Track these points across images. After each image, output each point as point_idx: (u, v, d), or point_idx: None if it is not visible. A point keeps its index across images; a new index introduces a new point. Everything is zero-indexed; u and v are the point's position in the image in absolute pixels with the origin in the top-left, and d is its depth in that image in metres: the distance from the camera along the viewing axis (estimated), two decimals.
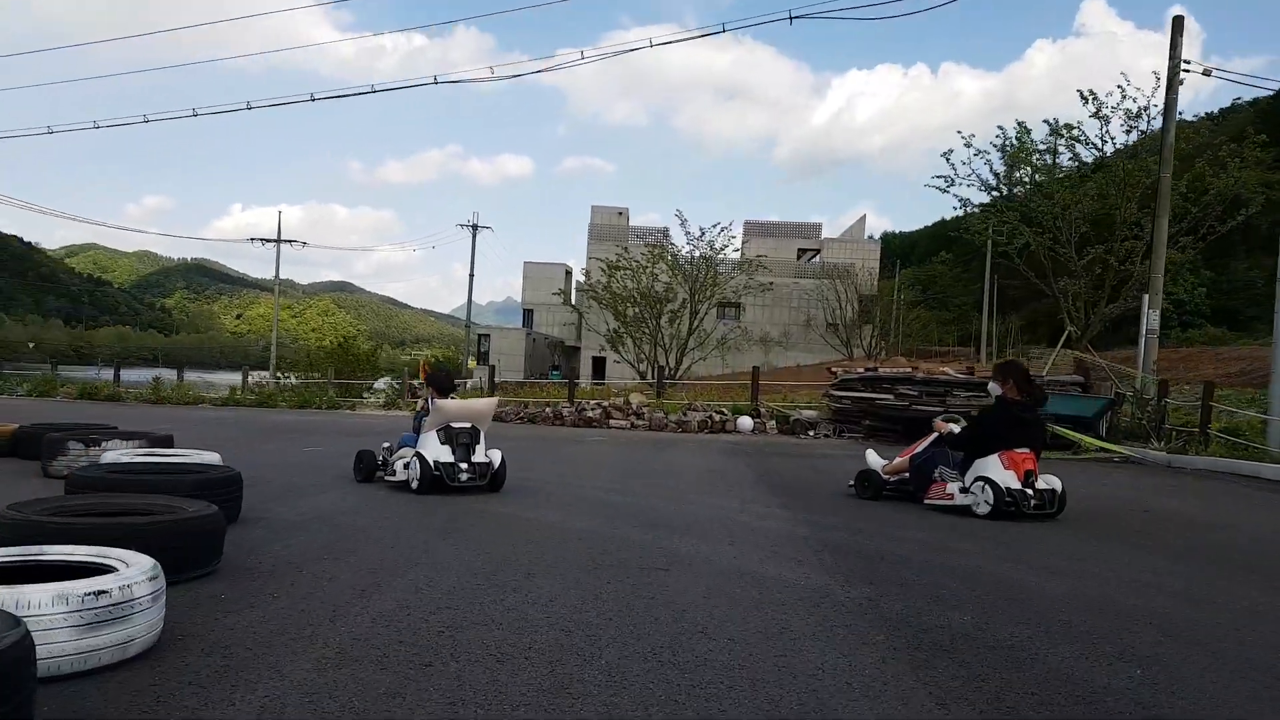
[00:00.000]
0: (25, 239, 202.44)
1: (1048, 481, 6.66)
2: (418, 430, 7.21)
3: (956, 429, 7.06)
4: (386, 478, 7.31)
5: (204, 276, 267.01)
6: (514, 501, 6.66)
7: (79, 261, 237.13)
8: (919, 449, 7.31)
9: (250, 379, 26.73)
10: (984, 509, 6.45)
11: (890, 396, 14.66)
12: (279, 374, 34.76)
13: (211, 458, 6.61)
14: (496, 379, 25.50)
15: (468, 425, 6.97)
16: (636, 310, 30.58)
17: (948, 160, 22.26)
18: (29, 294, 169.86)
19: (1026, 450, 6.67)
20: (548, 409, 17.82)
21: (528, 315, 59.03)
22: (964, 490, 6.70)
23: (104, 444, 7.18)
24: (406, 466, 6.99)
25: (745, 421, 15.79)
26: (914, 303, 52.77)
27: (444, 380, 7.56)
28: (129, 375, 28.27)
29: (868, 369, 15.82)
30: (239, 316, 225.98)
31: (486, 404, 7.51)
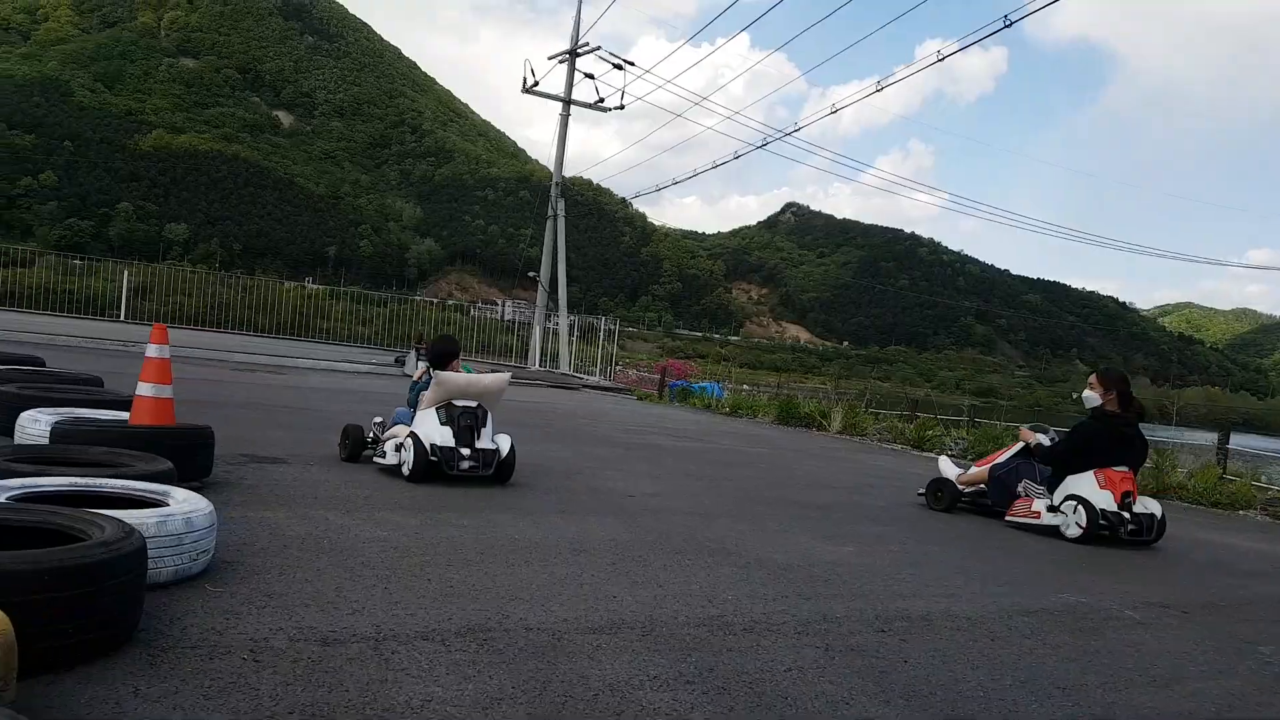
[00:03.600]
0: (1120, 299, 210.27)
1: (1146, 505, 6.13)
2: (414, 405, 6.11)
3: (1046, 440, 6.53)
4: (375, 459, 6.09)
5: None
6: None
7: (1171, 320, 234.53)
8: (1001, 459, 6.85)
9: None
10: (1075, 531, 5.95)
11: None
12: None
13: None
14: None
15: (473, 404, 5.93)
16: None
17: None
18: (1118, 351, 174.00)
19: (1125, 469, 6.16)
20: None
21: None
22: (1052, 509, 6.14)
23: None
24: (399, 449, 5.82)
25: None
26: None
27: (445, 349, 6.31)
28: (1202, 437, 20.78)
29: None
30: None
31: (496, 380, 6.18)
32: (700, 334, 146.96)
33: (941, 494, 6.93)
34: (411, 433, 5.75)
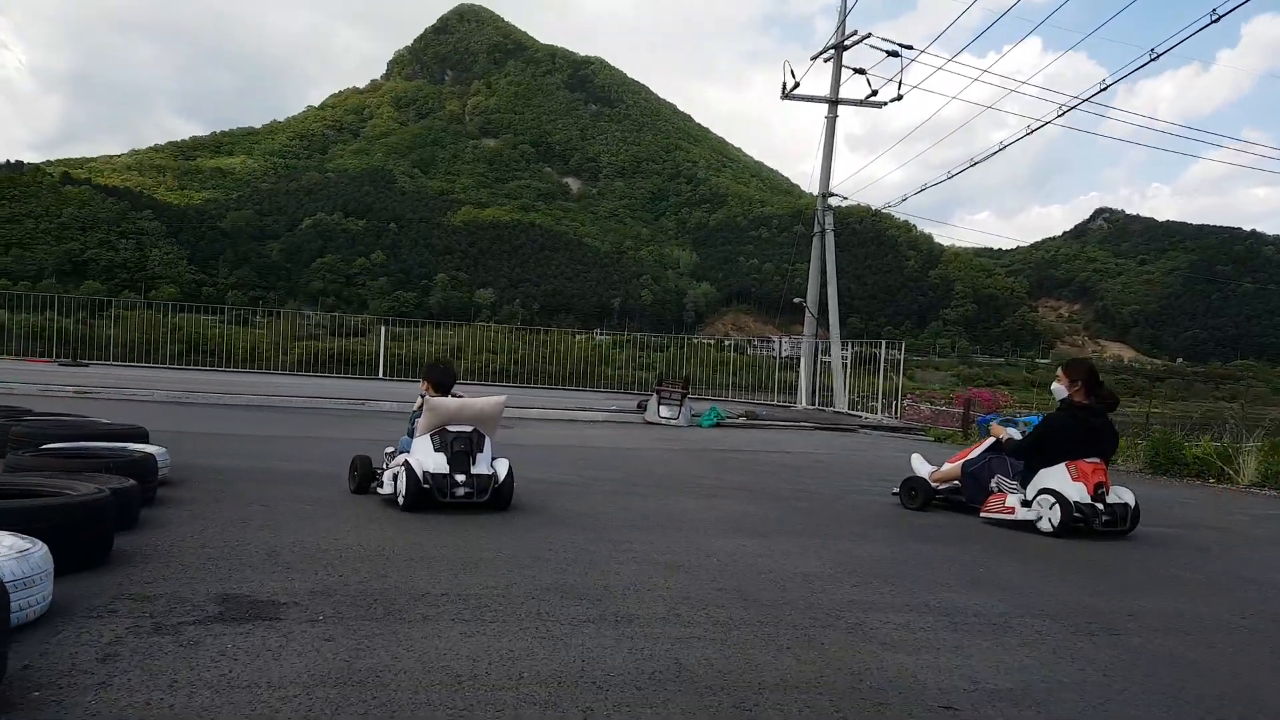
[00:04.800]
0: None
1: (1119, 495, 5.97)
2: (411, 434, 6.01)
3: (1016, 434, 6.48)
4: (377, 489, 5.94)
5: None
6: None
7: None
8: (973, 454, 6.74)
9: None
10: (1049, 525, 5.82)
11: None
12: None
13: None
14: None
15: (467, 429, 5.72)
16: None
17: None
18: None
19: (1097, 460, 6.01)
20: None
21: None
22: (1026, 504, 6.05)
23: None
24: (395, 478, 5.69)
25: None
26: None
27: (441, 375, 6.29)
28: None
29: None
30: None
31: (491, 403, 5.98)
32: (1001, 358, 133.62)
33: (915, 492, 6.82)
34: (405, 461, 5.58)
